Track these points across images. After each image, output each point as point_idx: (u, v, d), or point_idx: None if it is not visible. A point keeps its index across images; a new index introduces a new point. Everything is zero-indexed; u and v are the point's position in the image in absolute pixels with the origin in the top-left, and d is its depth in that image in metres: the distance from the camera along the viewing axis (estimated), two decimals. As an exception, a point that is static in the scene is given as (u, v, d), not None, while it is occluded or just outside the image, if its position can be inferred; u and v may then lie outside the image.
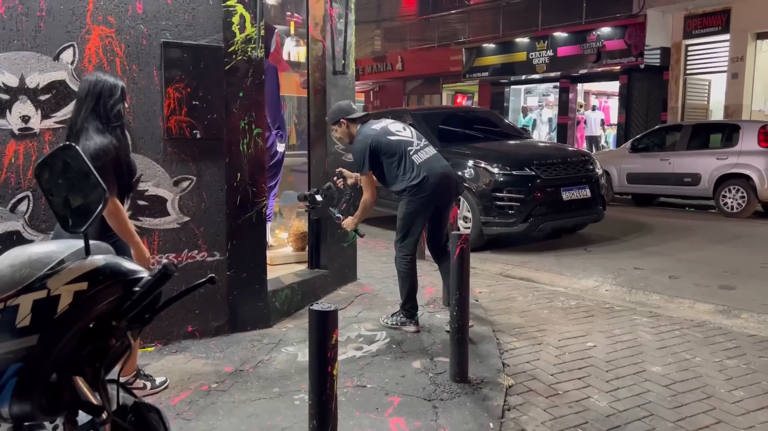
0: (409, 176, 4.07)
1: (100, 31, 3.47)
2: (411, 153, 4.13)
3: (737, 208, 9.62)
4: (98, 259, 1.17)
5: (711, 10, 13.78)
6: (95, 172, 1.25)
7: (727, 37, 13.64)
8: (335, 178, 4.67)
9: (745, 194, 9.54)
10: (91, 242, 1.21)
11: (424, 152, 4.18)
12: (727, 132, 10.21)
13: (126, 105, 3.03)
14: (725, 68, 13.78)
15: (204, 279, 1.24)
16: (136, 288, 1.16)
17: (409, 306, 4.19)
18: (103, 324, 1.16)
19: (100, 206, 1.22)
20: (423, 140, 4.29)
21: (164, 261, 1.18)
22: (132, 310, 1.17)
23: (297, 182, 6.24)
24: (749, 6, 12.99)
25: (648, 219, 9.34)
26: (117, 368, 1.24)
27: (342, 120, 4.27)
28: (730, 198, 9.73)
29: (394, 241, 4.26)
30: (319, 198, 4.66)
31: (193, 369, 3.51)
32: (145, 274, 1.19)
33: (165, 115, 3.68)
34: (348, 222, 4.45)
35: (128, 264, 1.21)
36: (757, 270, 6.08)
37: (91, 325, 1.14)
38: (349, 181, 4.62)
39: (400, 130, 4.24)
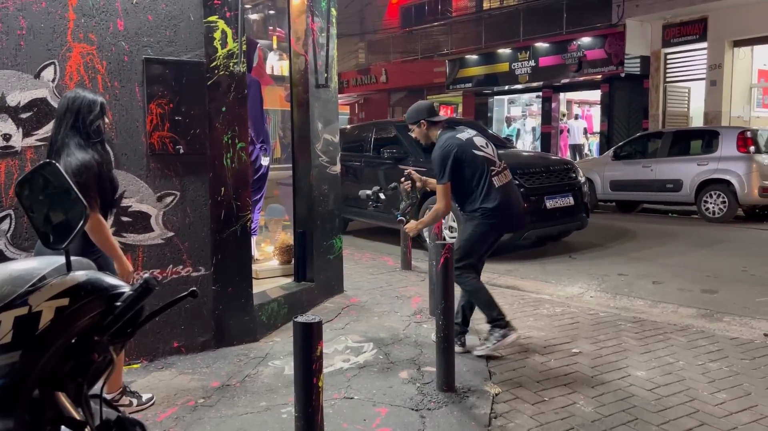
0: (485, 197, 3.84)
1: (81, 48, 3.48)
2: (492, 173, 3.90)
3: (719, 213, 9.76)
4: (80, 275, 1.18)
5: (688, 19, 14.03)
6: (76, 189, 1.26)
7: (704, 45, 13.89)
8: (403, 180, 4.42)
9: (726, 199, 9.68)
10: (72, 258, 1.22)
11: (503, 175, 3.96)
12: (707, 138, 10.38)
13: (107, 120, 3.03)
14: (704, 76, 14.02)
15: (185, 293, 1.25)
16: (118, 303, 1.17)
17: (499, 319, 3.91)
18: (86, 339, 1.16)
19: (81, 222, 1.23)
20: (503, 161, 4.05)
21: (146, 275, 1.19)
22: (114, 325, 1.17)
23: (282, 196, 6.24)
24: (725, 14, 13.24)
25: (631, 226, 9.44)
26: (100, 383, 1.25)
27: (422, 121, 4.06)
28: (711, 203, 9.87)
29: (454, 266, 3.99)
30: (382, 196, 4.58)
31: (180, 384, 3.49)
32: (126, 289, 1.20)
33: (148, 131, 3.68)
34: (411, 227, 4.25)
35: (110, 279, 1.22)
36: (739, 274, 6.16)
37: (73, 341, 1.15)
38: (417, 185, 4.37)
39: (483, 146, 3.99)
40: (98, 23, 3.52)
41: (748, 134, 9.82)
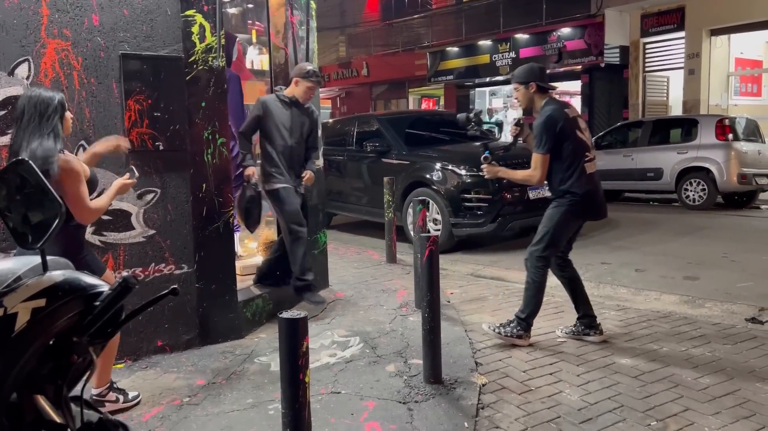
0: (574, 182, 3.78)
1: (56, 44, 3.41)
2: (586, 159, 3.83)
3: (699, 201, 9.87)
4: (56, 275, 1.15)
5: (666, 9, 14.15)
6: (50, 187, 1.23)
7: (682, 34, 14.02)
8: (512, 122, 4.22)
9: (705, 187, 9.79)
10: (49, 257, 1.19)
11: (593, 164, 3.89)
12: (686, 127, 10.49)
13: (70, 116, 2.91)
14: (682, 65, 14.15)
15: (166, 291, 1.23)
16: (97, 303, 1.14)
17: (528, 323, 3.93)
18: (64, 340, 1.14)
19: (57, 221, 1.20)
20: (594, 150, 3.99)
21: (125, 274, 1.16)
22: (93, 325, 1.15)
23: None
24: (702, 3, 13.36)
25: (613, 215, 9.49)
26: (81, 385, 1.22)
27: (533, 83, 3.89)
28: (691, 191, 9.98)
29: (534, 249, 3.90)
30: (485, 119, 4.38)
31: (165, 383, 3.46)
32: (105, 288, 1.18)
33: (126, 128, 3.63)
34: (493, 170, 4.07)
35: (88, 279, 1.20)
36: (719, 260, 6.24)
37: (51, 342, 1.12)
38: (521, 137, 4.17)
39: (584, 129, 3.92)
40: (73, 18, 3.46)
41: (726, 122, 9.94)
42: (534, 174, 3.86)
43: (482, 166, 4.11)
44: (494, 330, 3.95)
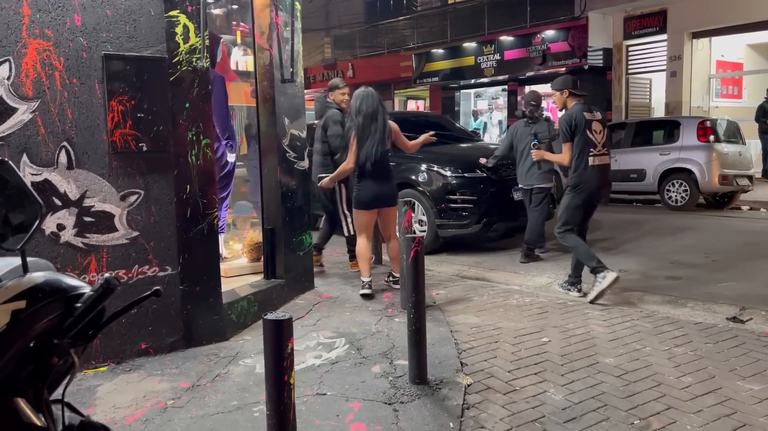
0: (579, 172, 4.92)
1: (37, 44, 3.38)
2: (590, 154, 4.91)
3: (681, 201, 9.99)
4: (37, 276, 1.14)
5: (648, 12, 14.30)
6: (30, 188, 1.22)
7: (664, 37, 14.18)
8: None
9: (687, 188, 9.91)
10: (29, 259, 1.18)
11: (599, 159, 4.96)
12: (669, 128, 10.61)
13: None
14: (664, 67, 14.31)
15: (148, 293, 1.22)
16: (78, 305, 1.14)
17: (596, 264, 4.89)
18: (45, 342, 1.13)
19: (37, 222, 1.19)
20: (606, 148, 5.05)
21: (106, 275, 1.14)
22: (74, 327, 1.14)
23: (251, 193, 6.17)
24: (684, 7, 13.52)
25: (597, 215, 9.48)
26: (62, 388, 1.21)
27: (566, 90, 5.04)
28: (674, 192, 10.10)
29: (555, 227, 5.13)
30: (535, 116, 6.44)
31: (148, 386, 3.43)
32: (87, 290, 1.17)
33: (109, 129, 3.59)
34: (540, 153, 5.83)
35: (69, 280, 1.19)
36: (701, 260, 6.31)
37: (31, 344, 1.11)
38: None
39: (597, 131, 4.96)
40: (54, 18, 3.42)
41: (708, 124, 10.06)
42: (564, 157, 5.06)
43: (532, 151, 5.94)
44: (590, 296, 4.92)
